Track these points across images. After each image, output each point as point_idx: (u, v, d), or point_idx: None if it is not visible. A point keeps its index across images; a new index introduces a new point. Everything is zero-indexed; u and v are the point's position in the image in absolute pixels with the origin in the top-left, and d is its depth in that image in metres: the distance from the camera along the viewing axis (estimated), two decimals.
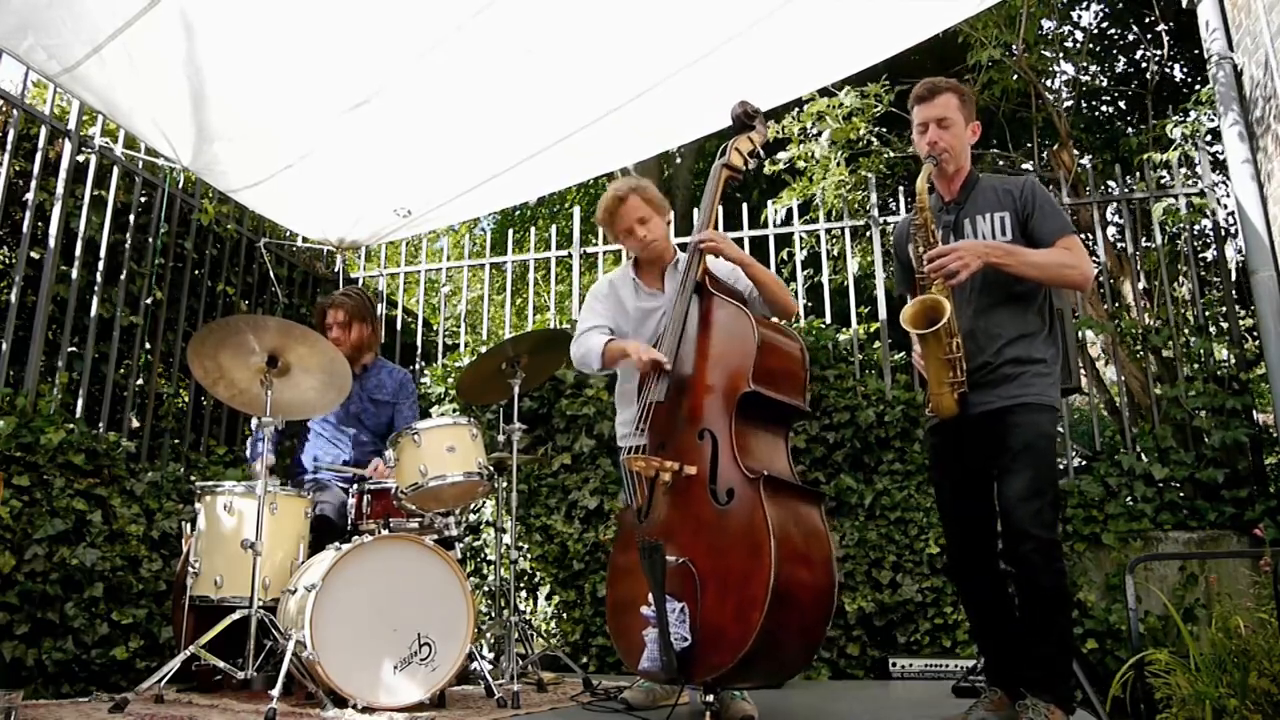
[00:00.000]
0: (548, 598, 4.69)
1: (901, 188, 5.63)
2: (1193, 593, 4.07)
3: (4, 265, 4.21)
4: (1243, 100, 4.59)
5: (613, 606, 2.77)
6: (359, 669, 2.79)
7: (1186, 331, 4.77)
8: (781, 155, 5.85)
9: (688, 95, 4.00)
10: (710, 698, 2.42)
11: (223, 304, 5.09)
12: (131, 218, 4.52)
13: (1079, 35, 7.79)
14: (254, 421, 3.83)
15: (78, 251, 4.17)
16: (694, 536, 2.46)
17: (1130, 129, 7.71)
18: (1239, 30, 4.62)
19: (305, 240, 5.63)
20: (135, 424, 4.59)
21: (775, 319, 2.87)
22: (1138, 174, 4.97)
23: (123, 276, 4.43)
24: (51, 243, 4.07)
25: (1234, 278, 4.82)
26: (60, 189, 4.12)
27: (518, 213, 10.44)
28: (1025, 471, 2.47)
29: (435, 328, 6.47)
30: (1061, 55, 6.67)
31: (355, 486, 3.48)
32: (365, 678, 2.79)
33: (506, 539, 3.77)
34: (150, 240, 4.62)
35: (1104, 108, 8.69)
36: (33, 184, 4.05)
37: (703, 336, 2.70)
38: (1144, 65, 7.62)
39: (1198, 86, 5.59)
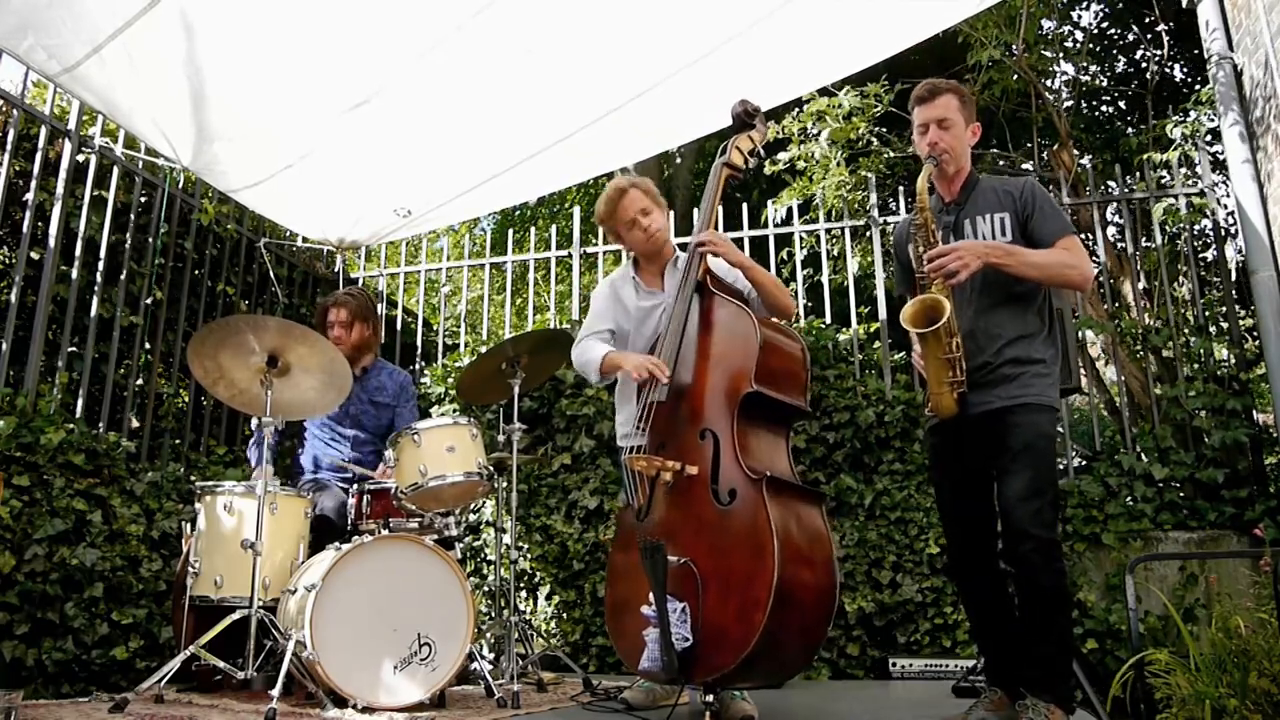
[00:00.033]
0: (548, 598, 4.69)
1: (901, 188, 5.63)
2: (1193, 593, 4.07)
3: (4, 265, 4.21)
4: (1243, 100, 4.59)
5: (612, 606, 2.77)
6: (359, 669, 2.79)
7: (1186, 331, 4.77)
8: (781, 155, 5.85)
9: (688, 95, 4.00)
10: (710, 698, 2.42)
11: (223, 304, 5.09)
12: (131, 218, 4.52)
13: (1079, 35, 7.79)
14: (254, 422, 3.84)
15: (78, 251, 4.17)
16: (695, 536, 2.46)
17: (1130, 129, 7.70)
18: (1239, 30, 4.62)
19: (305, 240, 5.63)
20: (135, 424, 4.59)
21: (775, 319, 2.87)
22: (1138, 174, 4.97)
23: (123, 276, 4.43)
24: (51, 243, 4.07)
25: (1234, 278, 4.82)
26: (60, 189, 4.12)
27: (518, 213, 10.43)
28: (1025, 471, 2.47)
29: (435, 328, 6.47)
30: (1061, 55, 6.67)
31: (355, 486, 3.49)
32: (365, 678, 2.79)
33: (506, 539, 3.77)
34: (150, 240, 4.62)
35: (1104, 108, 8.69)
36: (33, 184, 4.05)
37: (704, 336, 2.70)
38: (1144, 65, 7.62)
39: (1198, 86, 5.58)
